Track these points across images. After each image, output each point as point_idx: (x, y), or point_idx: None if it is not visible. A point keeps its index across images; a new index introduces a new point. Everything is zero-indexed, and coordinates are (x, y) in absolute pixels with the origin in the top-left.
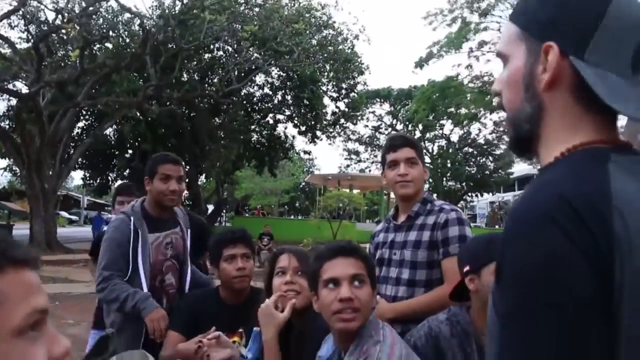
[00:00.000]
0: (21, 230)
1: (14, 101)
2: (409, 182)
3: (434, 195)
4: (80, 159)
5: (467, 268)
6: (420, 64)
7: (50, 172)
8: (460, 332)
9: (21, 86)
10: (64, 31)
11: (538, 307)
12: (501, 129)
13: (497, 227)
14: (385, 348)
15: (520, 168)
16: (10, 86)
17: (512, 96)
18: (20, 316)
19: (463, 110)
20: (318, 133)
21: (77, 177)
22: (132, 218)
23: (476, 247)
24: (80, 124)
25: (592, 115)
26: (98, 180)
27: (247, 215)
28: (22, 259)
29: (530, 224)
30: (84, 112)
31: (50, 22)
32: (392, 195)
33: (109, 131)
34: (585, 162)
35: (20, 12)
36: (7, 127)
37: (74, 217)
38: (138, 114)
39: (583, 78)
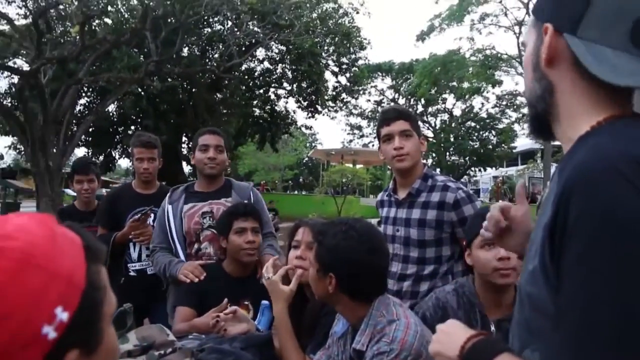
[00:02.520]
0: (28, 208)
1: (15, 79)
2: (405, 155)
3: (437, 170)
4: (83, 137)
5: (464, 243)
6: (421, 37)
7: (55, 150)
8: (466, 302)
9: (22, 63)
10: (62, 6)
11: (612, 249)
12: (504, 102)
13: (500, 201)
14: (401, 326)
15: (523, 142)
16: (10, 63)
17: (526, 79)
18: (114, 302)
19: (465, 84)
20: (319, 108)
21: (80, 154)
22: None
23: (469, 222)
24: (83, 101)
25: (604, 89)
26: (101, 158)
27: None
28: (104, 250)
29: (601, 175)
30: (86, 89)
31: None
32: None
33: (111, 108)
34: (627, 129)
35: None
36: (10, 105)
37: None
38: (139, 90)
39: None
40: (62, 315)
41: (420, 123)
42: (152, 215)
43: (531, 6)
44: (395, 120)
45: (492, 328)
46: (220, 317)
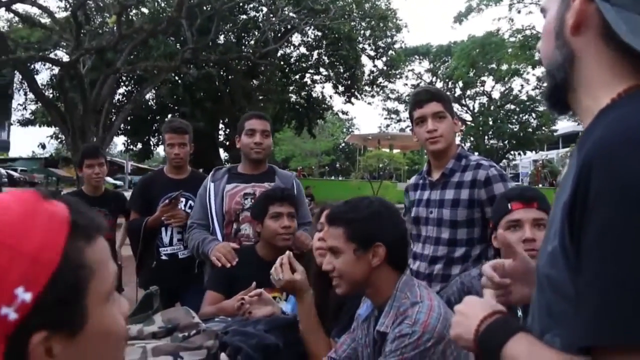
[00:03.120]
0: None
1: (56, 70)
2: (438, 137)
3: (476, 154)
4: (122, 125)
5: (490, 226)
6: (459, 19)
7: (94, 139)
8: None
9: (62, 55)
10: None
11: (633, 225)
12: (544, 84)
13: (540, 185)
14: (424, 308)
15: (565, 125)
16: (51, 55)
17: (546, 47)
18: (110, 281)
19: (504, 66)
20: (356, 92)
21: (119, 142)
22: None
23: (495, 204)
24: (121, 90)
25: (629, 58)
26: (140, 146)
27: None
28: (102, 226)
29: (620, 148)
30: (124, 78)
31: None
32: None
33: (148, 96)
34: None
35: None
36: (51, 95)
37: (118, 182)
38: (176, 78)
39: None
40: (25, 295)
41: (458, 106)
42: (183, 199)
43: None
44: (427, 102)
45: (519, 313)
46: (245, 300)
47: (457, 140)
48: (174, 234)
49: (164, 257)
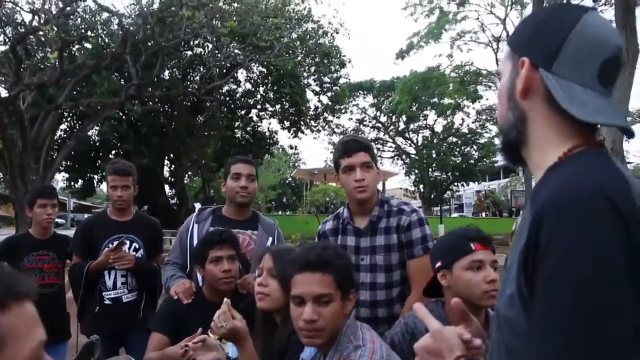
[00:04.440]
0: (7, 235)
1: None
2: (365, 186)
3: (421, 186)
4: (64, 162)
5: (439, 264)
6: (401, 55)
7: (34, 177)
8: None
9: (0, 90)
10: (41, 33)
11: (575, 277)
12: (484, 117)
13: (483, 214)
14: (367, 352)
15: None
16: None
17: (500, 107)
18: (29, 350)
19: (446, 100)
20: (302, 127)
21: (61, 179)
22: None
23: (448, 242)
24: (63, 127)
25: (570, 121)
26: (81, 183)
27: None
28: (25, 292)
29: (568, 205)
30: (66, 115)
31: (27, 23)
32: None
33: (91, 132)
34: (595, 159)
35: None
36: None
37: (60, 221)
38: (120, 114)
39: None
40: None
41: (402, 140)
42: (127, 242)
43: (508, 22)
44: (356, 152)
45: None
46: (188, 346)
47: (402, 172)
48: (117, 277)
49: (107, 302)
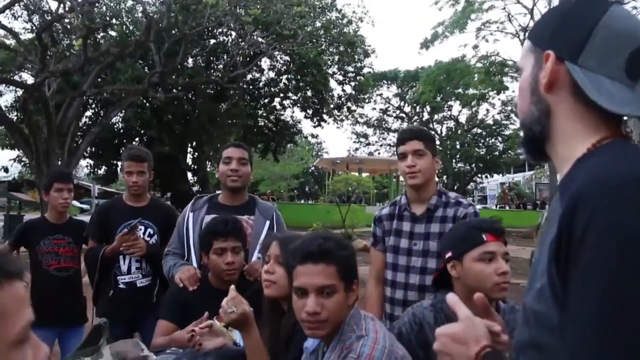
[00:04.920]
0: None
1: (20, 92)
2: (417, 172)
3: (444, 177)
4: (88, 148)
5: (449, 254)
6: (425, 44)
7: (59, 162)
8: (443, 318)
9: (27, 77)
10: (66, 20)
11: (614, 264)
12: (509, 108)
13: (507, 207)
14: (369, 342)
15: None
16: (16, 77)
17: (522, 102)
18: (17, 329)
19: (471, 91)
20: (325, 117)
21: (85, 165)
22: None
23: (460, 233)
24: (88, 113)
25: (597, 113)
26: (104, 169)
27: None
28: (15, 271)
29: (603, 193)
30: (91, 102)
31: (53, 11)
32: (402, 178)
33: (115, 119)
34: (624, 149)
35: (23, 2)
36: (15, 118)
37: (85, 206)
38: (144, 101)
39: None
40: None
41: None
42: (142, 227)
43: (535, 12)
44: (409, 140)
45: None
46: (195, 332)
47: None
48: (132, 262)
49: (121, 286)
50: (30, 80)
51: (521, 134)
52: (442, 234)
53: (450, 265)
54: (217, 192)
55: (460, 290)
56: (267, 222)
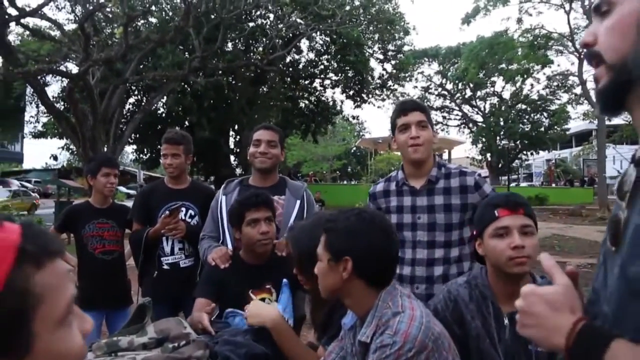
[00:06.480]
0: None
1: (66, 82)
2: (420, 145)
3: (488, 155)
4: (132, 134)
5: (474, 233)
6: (466, 20)
7: (105, 149)
8: (478, 295)
9: (72, 67)
10: (107, 9)
11: None
12: (555, 83)
13: (553, 185)
14: (405, 318)
15: (577, 124)
16: (62, 67)
17: (619, 42)
18: (62, 306)
19: (514, 66)
20: (365, 97)
21: (130, 151)
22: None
23: (478, 212)
24: (131, 100)
25: None
26: (148, 154)
27: None
28: (57, 250)
29: None
30: (133, 88)
31: (94, 1)
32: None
33: (158, 105)
34: None
35: None
36: (62, 107)
37: (132, 192)
38: (185, 86)
39: None
40: None
41: (469, 107)
42: (183, 209)
43: None
44: (412, 111)
45: (506, 321)
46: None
47: (469, 141)
48: (175, 243)
49: (165, 267)
50: (75, 69)
51: (603, 80)
52: (449, 206)
53: (477, 244)
54: (241, 174)
55: (489, 267)
56: (298, 202)
